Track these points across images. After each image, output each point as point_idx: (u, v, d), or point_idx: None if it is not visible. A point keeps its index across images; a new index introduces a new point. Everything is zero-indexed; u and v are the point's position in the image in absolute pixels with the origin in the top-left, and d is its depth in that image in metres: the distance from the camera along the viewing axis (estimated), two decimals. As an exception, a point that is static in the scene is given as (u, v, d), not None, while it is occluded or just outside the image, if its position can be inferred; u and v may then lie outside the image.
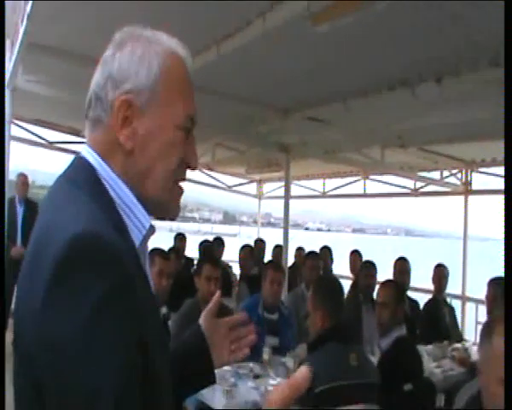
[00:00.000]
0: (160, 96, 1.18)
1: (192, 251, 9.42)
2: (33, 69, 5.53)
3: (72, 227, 1.00)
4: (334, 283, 3.79)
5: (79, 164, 1.17)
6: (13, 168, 5.98)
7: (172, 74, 1.21)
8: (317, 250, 8.05)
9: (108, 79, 1.16)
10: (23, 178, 8.63)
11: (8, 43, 5.61)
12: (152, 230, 1.21)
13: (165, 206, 1.25)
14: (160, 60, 1.19)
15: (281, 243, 8.92)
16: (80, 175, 1.14)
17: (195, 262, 7.92)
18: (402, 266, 6.62)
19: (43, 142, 10.87)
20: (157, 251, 4.35)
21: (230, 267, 9.33)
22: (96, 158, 1.17)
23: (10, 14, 5.19)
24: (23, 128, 10.26)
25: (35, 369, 0.99)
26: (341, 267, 9.44)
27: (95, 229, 1.01)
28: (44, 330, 0.95)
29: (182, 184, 1.27)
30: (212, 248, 8.68)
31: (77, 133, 9.80)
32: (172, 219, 1.29)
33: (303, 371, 1.21)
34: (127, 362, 0.98)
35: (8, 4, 5.06)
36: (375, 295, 6.04)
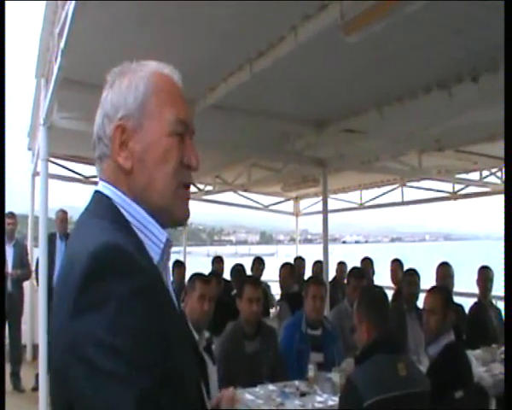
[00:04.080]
0: (149, 112, 1.28)
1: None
2: (68, 106, 5.63)
3: (94, 242, 1.09)
4: (379, 293, 3.76)
5: (97, 198, 1.28)
6: (52, 206, 6.05)
7: (158, 88, 1.30)
8: (354, 263, 7.96)
9: (104, 118, 1.29)
10: (61, 214, 8.76)
11: (42, 81, 5.76)
12: (169, 243, 1.28)
13: (171, 210, 1.30)
14: (146, 80, 1.30)
15: (318, 258, 8.87)
16: (100, 207, 1.25)
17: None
18: (445, 270, 6.50)
19: (79, 177, 11.06)
20: (197, 275, 4.33)
21: (269, 287, 9.32)
22: (110, 188, 1.27)
23: (44, 51, 5.32)
24: (59, 165, 10.46)
25: (66, 382, 1.04)
26: (381, 278, 9.32)
27: (116, 240, 1.10)
28: (72, 340, 1.02)
29: (187, 188, 1.34)
30: (242, 272, 8.60)
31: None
32: (182, 224, 1.35)
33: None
34: (151, 361, 1.03)
35: (41, 42, 5.20)
36: (418, 303, 5.96)
